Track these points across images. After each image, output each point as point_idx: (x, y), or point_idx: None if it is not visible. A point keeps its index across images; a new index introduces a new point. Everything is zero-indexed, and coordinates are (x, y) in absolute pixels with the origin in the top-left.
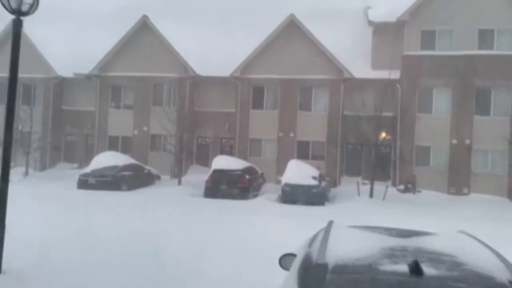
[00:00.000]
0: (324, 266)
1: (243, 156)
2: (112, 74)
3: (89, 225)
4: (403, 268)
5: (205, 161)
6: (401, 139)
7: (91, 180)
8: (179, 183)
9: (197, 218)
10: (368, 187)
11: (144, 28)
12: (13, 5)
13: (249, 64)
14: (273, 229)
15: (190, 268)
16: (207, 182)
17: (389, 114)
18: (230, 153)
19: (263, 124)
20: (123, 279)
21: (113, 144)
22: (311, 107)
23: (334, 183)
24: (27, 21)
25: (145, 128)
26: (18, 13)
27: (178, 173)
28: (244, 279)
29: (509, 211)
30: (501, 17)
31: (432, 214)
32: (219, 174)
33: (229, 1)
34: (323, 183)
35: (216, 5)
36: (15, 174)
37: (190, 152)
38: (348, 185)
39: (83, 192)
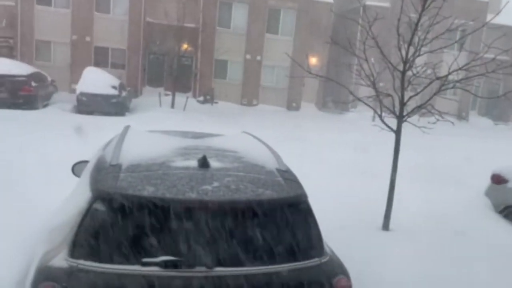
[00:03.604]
0: (118, 166)
1: (27, 60)
2: None
3: None
4: (193, 163)
5: None
6: (202, 52)
7: None
8: None
9: None
10: (170, 98)
11: None
12: None
13: None
14: (65, 140)
15: None
16: None
17: (192, 25)
18: (10, 55)
19: (52, 24)
20: None
21: None
22: (110, 10)
23: (136, 93)
24: None
25: None
26: None
27: None
28: (41, 193)
29: (285, 118)
30: None
31: (225, 122)
32: None
33: None
34: (124, 93)
35: None
36: None
37: None
38: (150, 95)
39: None
